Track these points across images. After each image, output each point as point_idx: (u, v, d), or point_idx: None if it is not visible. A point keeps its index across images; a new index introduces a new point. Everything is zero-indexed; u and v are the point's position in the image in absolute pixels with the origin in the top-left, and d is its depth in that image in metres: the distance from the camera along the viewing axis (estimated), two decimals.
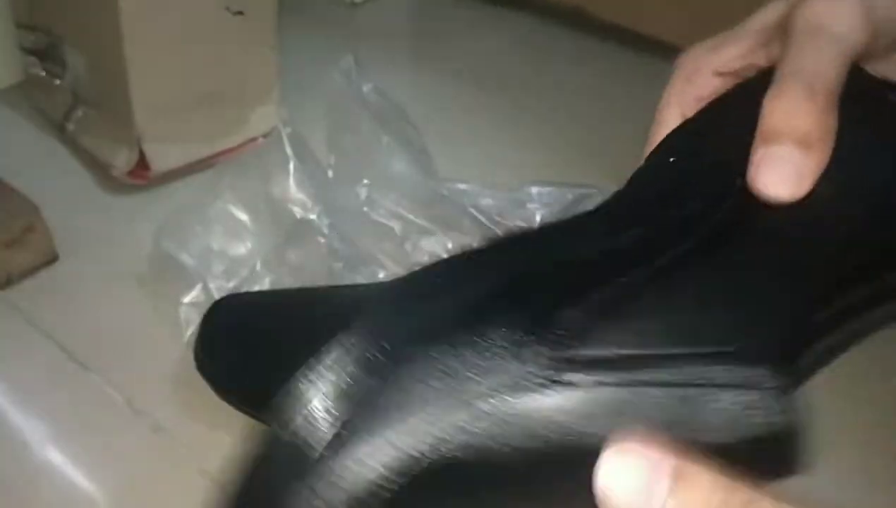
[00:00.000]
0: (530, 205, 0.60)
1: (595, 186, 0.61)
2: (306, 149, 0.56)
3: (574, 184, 0.62)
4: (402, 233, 0.57)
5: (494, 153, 0.72)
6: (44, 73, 0.73)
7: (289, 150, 0.53)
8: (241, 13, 0.66)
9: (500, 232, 0.55)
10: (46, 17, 0.70)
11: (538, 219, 0.60)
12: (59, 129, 0.72)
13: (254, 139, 0.70)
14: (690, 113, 0.30)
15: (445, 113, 0.77)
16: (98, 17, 0.64)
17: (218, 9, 0.66)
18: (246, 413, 0.51)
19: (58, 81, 0.72)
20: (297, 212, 0.54)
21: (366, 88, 0.59)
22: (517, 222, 0.59)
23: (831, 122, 0.24)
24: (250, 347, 0.51)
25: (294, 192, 0.54)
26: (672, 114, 0.30)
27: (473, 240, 0.57)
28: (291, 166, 0.53)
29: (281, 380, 0.51)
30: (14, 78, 0.77)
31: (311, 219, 0.53)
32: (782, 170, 0.23)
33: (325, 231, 0.54)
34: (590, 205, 0.61)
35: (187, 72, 0.67)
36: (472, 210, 0.56)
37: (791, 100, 0.23)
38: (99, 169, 0.69)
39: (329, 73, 0.60)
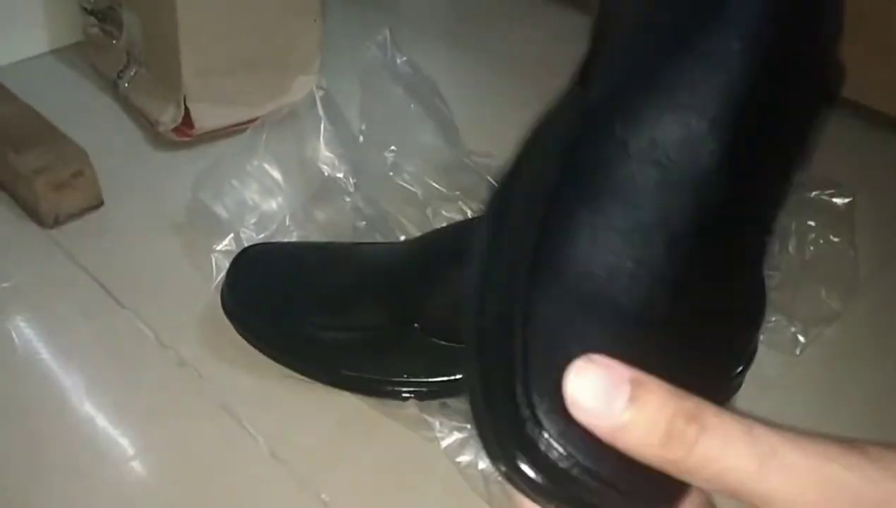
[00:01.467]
0: None
1: None
2: (338, 113, 0.59)
3: None
4: (424, 198, 0.60)
5: (520, 133, 0.75)
6: (101, 34, 0.78)
7: (321, 112, 0.56)
8: None
9: None
10: None
11: None
12: (112, 87, 0.76)
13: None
14: None
15: (476, 93, 0.80)
16: None
17: None
18: (266, 353, 0.54)
19: (114, 42, 0.76)
20: (326, 170, 0.57)
21: (399, 61, 0.62)
22: None
23: None
24: (274, 293, 0.55)
25: (324, 152, 0.57)
26: None
27: None
28: (322, 127, 0.56)
29: (299, 325, 0.54)
30: (74, 37, 0.82)
31: (339, 178, 0.57)
32: None
33: (351, 190, 0.57)
34: None
35: (234, 38, 0.70)
36: (492, 180, 0.58)
37: None
38: (147, 125, 0.73)
39: (367, 45, 0.63)
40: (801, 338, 0.56)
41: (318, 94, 0.56)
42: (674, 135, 0.26)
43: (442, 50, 0.89)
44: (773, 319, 0.56)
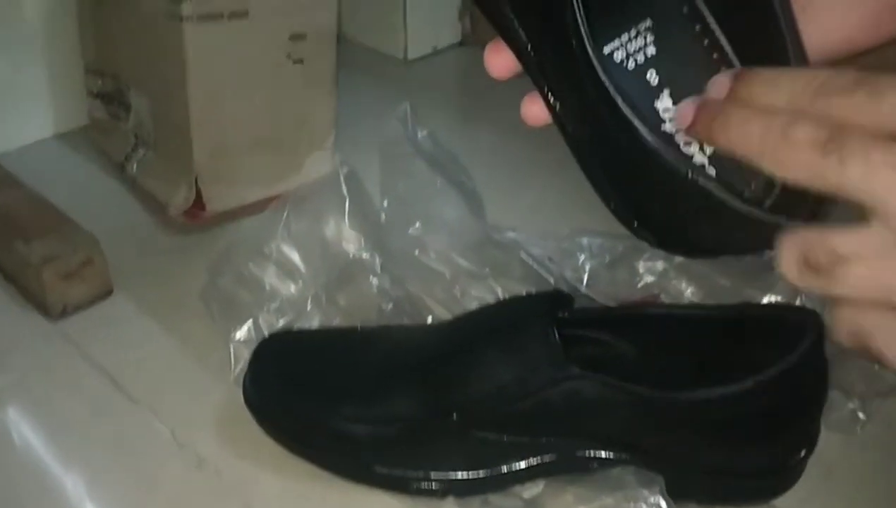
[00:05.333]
0: (580, 255, 0.60)
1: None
2: (362, 190, 0.57)
3: (625, 235, 0.62)
4: (452, 277, 0.57)
5: (545, 204, 0.72)
6: (108, 117, 0.76)
7: (344, 190, 0.54)
8: (301, 61, 0.68)
9: (550, 278, 0.55)
10: (114, 63, 0.73)
11: (587, 269, 0.60)
12: (119, 170, 0.74)
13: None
14: None
15: (496, 165, 0.78)
16: (164, 64, 0.66)
17: (279, 56, 0.68)
18: (290, 449, 0.50)
19: (121, 124, 0.74)
20: (350, 250, 0.54)
21: (420, 135, 0.60)
22: (567, 271, 0.59)
23: None
24: (298, 383, 0.51)
25: (347, 232, 0.55)
26: None
27: (523, 287, 0.57)
28: (347, 205, 0.54)
29: (327, 418, 0.51)
30: (79, 121, 0.80)
31: (364, 259, 0.54)
32: None
33: (377, 270, 0.54)
34: (640, 257, 0.61)
35: (247, 116, 0.68)
36: (524, 255, 0.56)
37: None
38: (156, 209, 0.70)
39: (384, 121, 0.61)
40: (861, 415, 0.52)
41: (343, 171, 0.54)
42: None
43: (457, 123, 0.87)
44: (829, 395, 0.53)
